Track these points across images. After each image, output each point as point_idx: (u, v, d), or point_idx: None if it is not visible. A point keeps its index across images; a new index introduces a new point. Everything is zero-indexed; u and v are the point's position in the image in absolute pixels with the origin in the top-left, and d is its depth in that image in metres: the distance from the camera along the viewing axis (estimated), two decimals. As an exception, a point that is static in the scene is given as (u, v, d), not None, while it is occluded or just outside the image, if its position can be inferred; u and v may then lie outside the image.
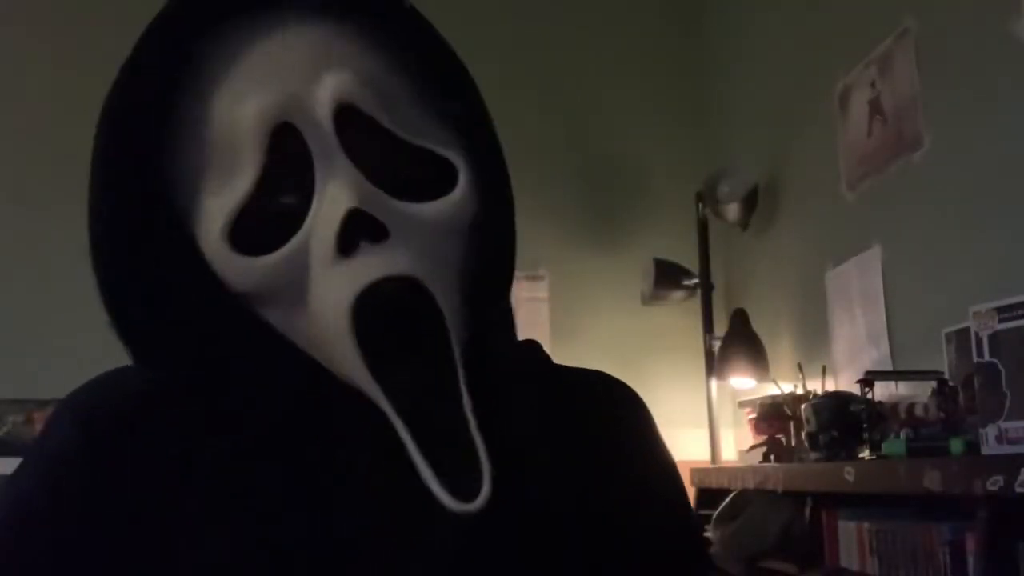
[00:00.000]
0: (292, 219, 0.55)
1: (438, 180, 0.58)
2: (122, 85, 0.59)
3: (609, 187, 3.05)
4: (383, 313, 0.54)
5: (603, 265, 2.98)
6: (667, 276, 2.77)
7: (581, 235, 2.97)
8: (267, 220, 0.55)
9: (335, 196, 0.53)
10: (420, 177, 0.57)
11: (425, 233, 0.56)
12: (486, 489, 0.51)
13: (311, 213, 0.54)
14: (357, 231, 0.53)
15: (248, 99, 0.55)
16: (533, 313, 2.85)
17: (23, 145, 2.86)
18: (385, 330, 0.54)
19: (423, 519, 0.53)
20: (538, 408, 0.63)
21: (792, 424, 2.14)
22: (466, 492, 0.51)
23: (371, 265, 0.53)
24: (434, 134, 0.59)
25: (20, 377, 2.61)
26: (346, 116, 0.55)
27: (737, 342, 2.55)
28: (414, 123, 0.58)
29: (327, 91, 0.55)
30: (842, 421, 1.73)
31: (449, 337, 0.55)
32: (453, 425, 0.53)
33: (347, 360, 0.54)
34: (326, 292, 0.54)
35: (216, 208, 0.56)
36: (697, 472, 2.46)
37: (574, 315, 2.91)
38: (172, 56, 0.58)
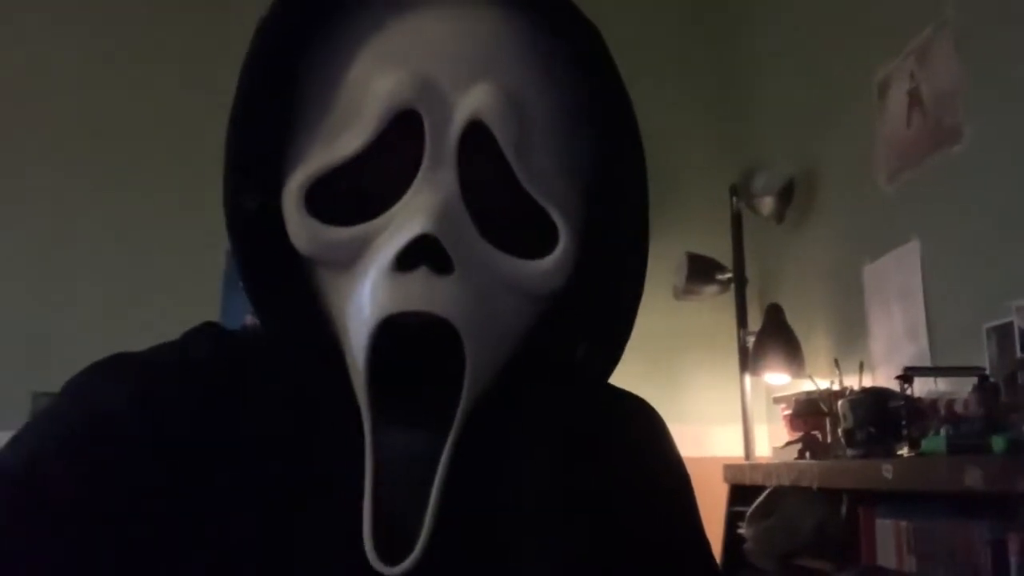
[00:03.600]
0: (373, 206, 0.53)
1: (536, 239, 0.55)
2: (280, 9, 0.56)
3: (642, 180, 3.03)
4: (401, 348, 0.51)
5: (635, 259, 2.96)
6: (700, 270, 2.74)
7: (613, 229, 2.95)
8: (348, 194, 0.54)
9: (419, 209, 0.51)
10: (519, 228, 0.55)
11: (495, 285, 0.53)
12: (413, 556, 0.49)
13: (391, 212, 0.52)
14: (421, 255, 0.50)
15: (390, 73, 0.53)
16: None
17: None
18: (398, 365, 0.52)
19: (352, 571, 0.50)
20: (537, 478, 0.59)
21: (828, 420, 2.12)
22: (395, 555, 0.49)
23: (417, 294, 0.50)
24: (555, 185, 0.55)
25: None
26: (477, 132, 0.52)
27: (772, 337, 2.52)
28: (541, 164, 0.55)
29: (470, 103, 0.52)
30: (880, 417, 1.70)
31: (460, 396, 0.51)
32: (416, 487, 0.51)
33: (357, 376, 0.52)
34: (368, 295, 0.52)
35: (310, 163, 0.54)
36: (730, 469, 2.43)
37: (606, 310, 2.90)
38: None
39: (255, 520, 0.54)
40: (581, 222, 0.58)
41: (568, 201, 0.56)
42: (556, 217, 0.55)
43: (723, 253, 2.80)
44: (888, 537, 1.64)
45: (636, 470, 0.65)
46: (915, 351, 2.01)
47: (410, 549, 0.49)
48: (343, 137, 0.53)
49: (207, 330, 0.63)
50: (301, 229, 0.54)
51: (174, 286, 2.73)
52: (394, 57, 0.54)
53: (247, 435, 0.56)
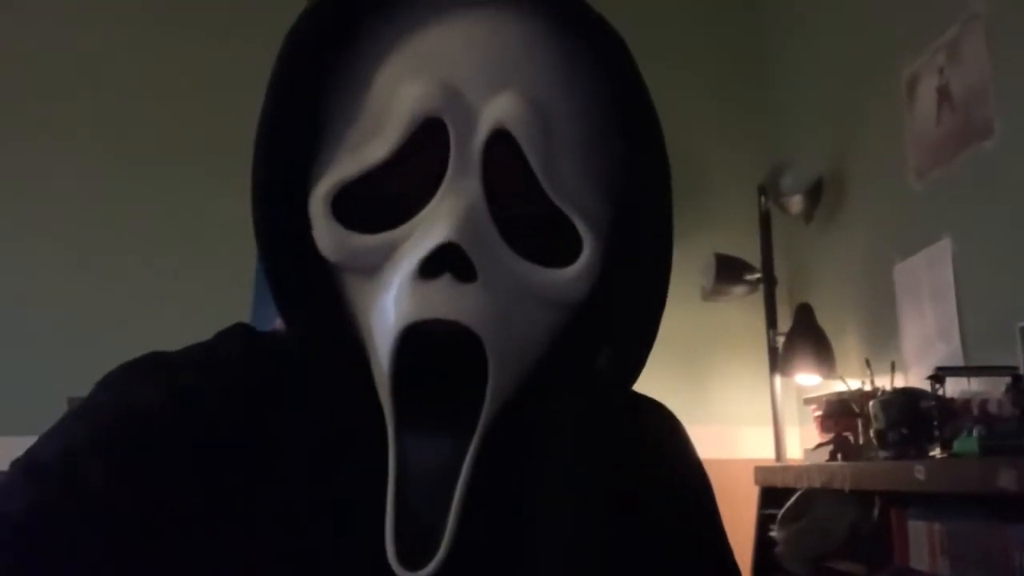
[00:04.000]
0: (398, 213, 0.53)
1: (562, 247, 0.55)
2: (307, 19, 0.57)
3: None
4: (424, 356, 0.52)
5: (663, 260, 2.94)
6: (728, 271, 2.73)
7: (640, 230, 2.94)
8: (374, 201, 0.54)
9: (443, 217, 0.51)
10: (543, 236, 0.55)
11: (519, 293, 0.54)
12: (435, 561, 0.49)
13: (416, 219, 0.53)
14: (445, 263, 0.51)
15: (416, 81, 0.53)
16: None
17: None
18: (422, 372, 0.52)
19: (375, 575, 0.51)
20: (558, 484, 0.59)
21: (860, 421, 2.09)
22: (416, 561, 0.49)
23: (441, 301, 0.51)
24: (580, 193, 0.55)
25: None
26: (501, 140, 0.53)
27: (802, 338, 2.50)
28: (566, 172, 0.55)
29: (495, 112, 0.52)
30: (912, 418, 1.68)
31: (483, 404, 0.52)
32: (438, 489, 0.51)
33: (381, 383, 0.53)
34: (392, 302, 0.52)
35: (337, 170, 0.55)
36: (761, 471, 2.41)
37: (634, 311, 2.88)
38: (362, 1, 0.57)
39: (280, 521, 0.55)
40: (606, 229, 0.58)
41: (593, 209, 0.56)
42: (580, 226, 0.55)
43: (751, 253, 2.78)
44: (921, 539, 1.62)
45: (657, 474, 0.65)
46: (947, 351, 1.99)
47: (432, 554, 0.49)
48: (369, 145, 0.54)
49: (238, 331, 0.64)
50: (328, 236, 0.55)
51: (206, 292, 2.75)
52: (419, 65, 0.54)
53: (274, 436, 0.57)
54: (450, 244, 0.50)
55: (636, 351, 0.62)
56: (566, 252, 0.55)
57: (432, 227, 0.51)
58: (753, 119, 3.08)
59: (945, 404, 1.64)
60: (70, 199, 2.91)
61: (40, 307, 2.84)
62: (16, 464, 0.55)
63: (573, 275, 0.55)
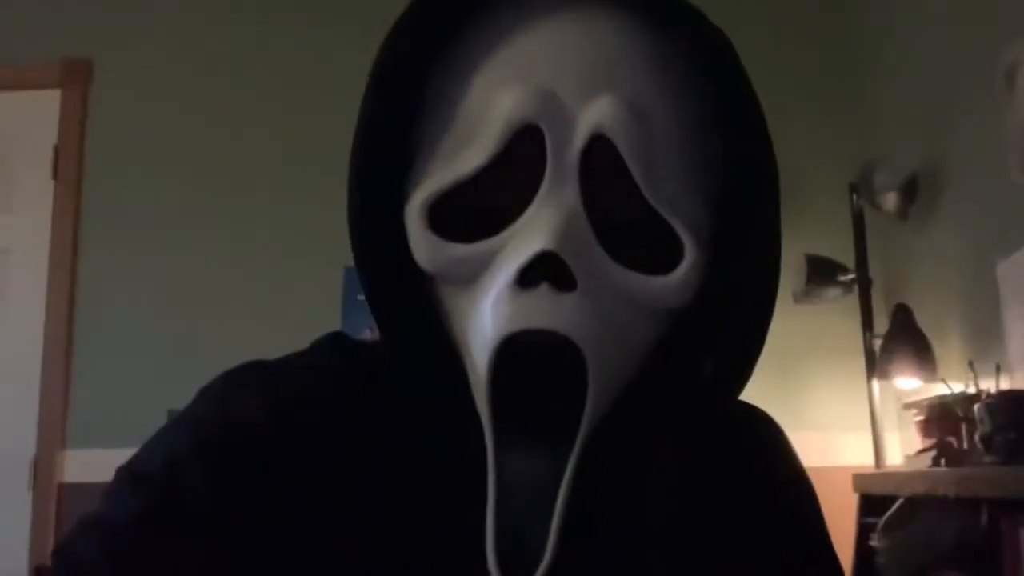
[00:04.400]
0: (495, 222, 0.53)
1: (663, 254, 0.54)
2: (402, 26, 0.57)
3: (755, 182, 2.96)
4: (523, 366, 0.51)
5: (751, 263, 2.89)
6: (820, 272, 2.66)
7: (727, 233, 2.89)
8: (471, 211, 0.54)
9: (541, 226, 0.51)
10: (643, 243, 0.54)
11: (619, 301, 0.53)
12: (540, 572, 0.49)
13: (513, 228, 0.52)
14: (543, 272, 0.50)
15: (511, 88, 0.53)
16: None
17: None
18: (520, 384, 0.52)
19: None
20: (662, 498, 0.58)
21: (963, 426, 2.02)
22: (516, 570, 0.49)
23: (540, 310, 0.50)
24: (680, 198, 0.54)
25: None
26: (600, 146, 0.52)
27: (900, 340, 2.42)
28: (666, 177, 0.54)
29: (592, 117, 0.52)
30: (1020, 422, 1.61)
31: (582, 417, 0.51)
32: (540, 507, 0.51)
33: (479, 393, 0.52)
34: (490, 312, 0.52)
35: (432, 180, 0.55)
36: (860, 478, 2.35)
37: (723, 316, 2.84)
38: (456, 9, 0.57)
39: (379, 537, 0.55)
40: (708, 234, 0.56)
41: (694, 214, 0.55)
42: (682, 232, 0.54)
43: (844, 254, 2.70)
44: (1034, 549, 1.55)
45: (764, 486, 0.63)
46: (1058, 350, 1.90)
47: (533, 569, 0.49)
48: (465, 153, 0.54)
49: (334, 340, 0.64)
50: (424, 246, 0.54)
51: (295, 305, 2.81)
52: (514, 71, 0.53)
53: (371, 444, 0.57)
54: (548, 253, 0.49)
55: (742, 361, 0.59)
56: (667, 259, 0.54)
57: (530, 236, 0.51)
58: (843, 114, 3.00)
59: (1056, 406, 1.57)
60: (163, 217, 3.01)
61: (135, 322, 2.94)
62: (121, 471, 0.57)
63: (675, 282, 0.54)
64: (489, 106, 0.53)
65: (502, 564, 0.49)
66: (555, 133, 0.52)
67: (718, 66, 0.57)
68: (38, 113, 3.08)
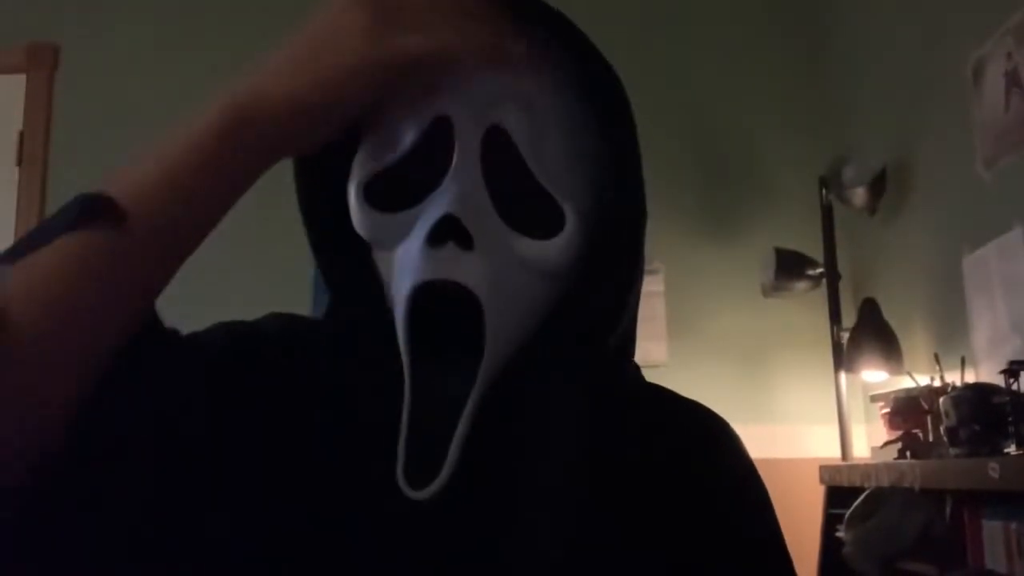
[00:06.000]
0: (416, 195, 0.64)
1: (548, 221, 0.65)
2: None
3: (725, 175, 2.97)
4: (431, 309, 0.62)
5: (721, 256, 2.90)
6: (789, 266, 2.68)
7: (697, 226, 2.90)
8: (397, 186, 0.65)
9: (448, 194, 0.62)
10: (533, 212, 0.64)
11: (510, 259, 0.64)
12: (436, 483, 0.59)
13: (429, 199, 0.63)
14: (448, 233, 0.61)
15: (428, 90, 0.64)
16: (648, 308, 2.80)
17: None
18: (431, 325, 0.63)
19: (384, 495, 0.60)
20: (556, 432, 0.66)
21: (929, 418, 2.04)
22: (421, 481, 0.59)
23: (445, 265, 0.61)
24: (564, 176, 0.66)
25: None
26: (497, 133, 0.64)
27: (867, 333, 2.44)
28: (552, 157, 0.65)
29: (491, 114, 0.64)
30: (985, 414, 1.63)
31: (483, 352, 0.62)
32: (445, 424, 0.60)
33: (400, 331, 0.63)
34: (408, 265, 0.63)
35: (368, 163, 0.66)
36: (827, 470, 2.37)
37: (691, 309, 2.85)
38: None
39: (309, 430, 0.65)
40: (589, 213, 0.67)
41: (575, 191, 0.66)
42: (563, 204, 0.65)
43: (813, 247, 2.72)
44: (996, 540, 1.57)
45: (710, 470, 0.71)
46: (1020, 344, 1.93)
47: (424, 478, 0.59)
48: (394, 140, 0.65)
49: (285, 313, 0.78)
50: (360, 216, 0.66)
51: (265, 300, 2.78)
52: (434, 79, 0.64)
53: (321, 369, 0.69)
54: (450, 216, 0.61)
55: (615, 317, 0.70)
56: (552, 226, 0.65)
57: (439, 204, 0.62)
58: (813, 109, 3.02)
59: (1019, 399, 1.59)
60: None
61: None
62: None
63: (556, 245, 0.65)
64: (412, 102, 0.65)
65: (410, 475, 0.59)
66: (462, 123, 0.64)
67: (597, 83, 0.68)
68: (3, 98, 3.03)
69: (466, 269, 0.61)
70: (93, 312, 0.56)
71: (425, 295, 0.62)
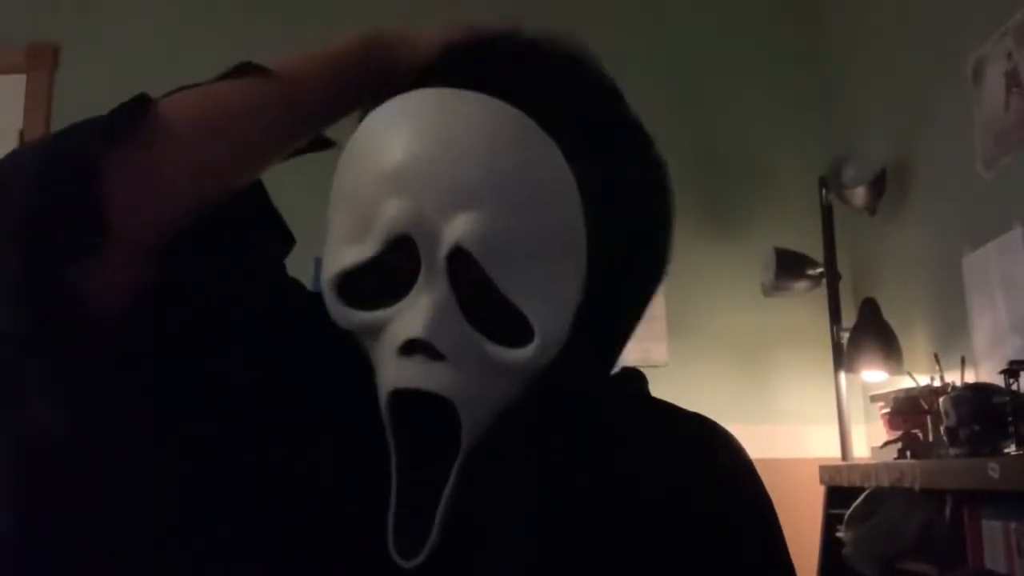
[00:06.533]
0: (386, 298, 0.66)
1: (519, 331, 0.65)
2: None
3: (725, 174, 2.97)
4: (409, 414, 0.65)
5: (721, 256, 2.89)
6: (789, 266, 2.67)
7: (697, 225, 2.89)
8: (368, 287, 0.66)
9: (416, 313, 0.64)
10: (503, 322, 0.65)
11: (481, 364, 0.65)
12: (423, 554, 0.63)
13: (400, 304, 0.65)
14: (417, 349, 0.64)
15: (391, 201, 0.65)
16: (648, 308, 2.80)
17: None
18: (410, 425, 0.65)
19: (374, 564, 0.64)
20: (533, 495, 0.68)
21: (929, 418, 2.04)
22: (410, 552, 0.63)
23: (417, 375, 0.64)
24: (538, 288, 0.66)
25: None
26: (462, 253, 0.64)
27: (867, 333, 2.44)
28: (524, 269, 0.65)
29: (453, 233, 0.63)
30: (984, 414, 1.63)
31: (460, 447, 0.65)
32: (428, 501, 0.64)
33: (385, 422, 0.65)
34: (382, 365, 0.66)
35: (338, 257, 0.67)
36: (827, 470, 2.37)
37: (691, 309, 2.84)
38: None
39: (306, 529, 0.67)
40: (576, 302, 0.68)
41: (554, 295, 0.67)
42: (532, 319, 0.65)
43: (813, 247, 2.72)
44: (996, 539, 1.57)
45: (713, 486, 0.72)
46: (1021, 344, 1.93)
47: (412, 548, 0.63)
48: (360, 243, 0.66)
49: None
50: (336, 310, 0.68)
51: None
52: (395, 184, 0.65)
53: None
54: (416, 341, 0.63)
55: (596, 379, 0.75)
56: (523, 335, 0.65)
57: (409, 320, 0.64)
58: (813, 109, 3.02)
59: (1019, 399, 1.59)
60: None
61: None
62: None
63: (527, 355, 0.66)
64: (376, 209, 0.65)
65: (398, 546, 0.63)
66: (425, 243, 0.64)
67: (588, 129, 0.69)
68: (3, 98, 3.03)
69: (438, 378, 0.64)
70: (242, 144, 0.69)
71: (401, 398, 0.64)
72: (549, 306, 0.67)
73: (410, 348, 0.64)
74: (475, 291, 0.65)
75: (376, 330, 0.66)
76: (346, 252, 0.67)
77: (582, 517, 0.69)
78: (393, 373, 0.65)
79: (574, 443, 0.71)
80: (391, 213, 0.64)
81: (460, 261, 0.64)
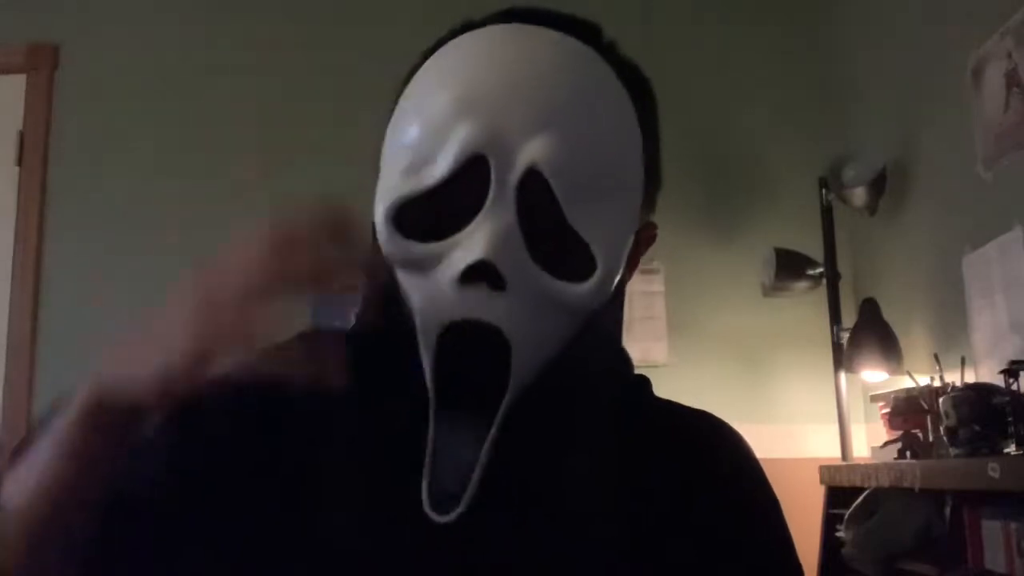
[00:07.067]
0: (446, 229, 0.64)
1: (582, 265, 0.65)
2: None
3: (726, 174, 2.97)
4: (460, 348, 0.63)
5: (721, 256, 2.89)
6: (789, 266, 2.68)
7: (697, 225, 2.89)
8: (427, 217, 0.65)
9: (483, 235, 0.62)
10: (565, 255, 0.65)
11: (543, 300, 0.64)
12: (459, 509, 0.62)
13: (460, 235, 0.63)
14: (480, 275, 0.62)
15: (467, 120, 0.63)
16: (648, 308, 2.80)
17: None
18: (458, 361, 0.63)
19: (409, 519, 0.63)
20: (572, 459, 0.68)
21: (929, 418, 2.04)
22: (445, 507, 0.62)
23: (477, 305, 0.62)
24: (603, 218, 0.66)
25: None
26: (534, 176, 0.63)
27: (867, 333, 2.44)
28: (588, 202, 0.65)
29: (529, 153, 0.63)
30: (984, 414, 1.63)
31: (507, 387, 0.63)
32: (468, 452, 0.63)
33: (427, 364, 0.64)
34: (437, 298, 0.63)
35: (398, 187, 0.66)
36: (827, 470, 2.37)
37: (691, 309, 2.84)
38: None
39: (337, 474, 0.67)
40: (632, 234, 0.70)
41: (615, 229, 0.68)
42: (596, 251, 0.66)
43: (813, 247, 2.72)
44: (996, 539, 1.57)
45: (722, 481, 0.72)
46: (1021, 344, 1.93)
47: (447, 502, 0.62)
48: (425, 170, 0.65)
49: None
50: (389, 242, 0.66)
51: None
52: (469, 106, 0.64)
53: (343, 410, 0.68)
54: (481, 262, 0.61)
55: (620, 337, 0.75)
56: (585, 269, 0.65)
57: (473, 244, 0.62)
58: (813, 109, 3.02)
59: (1019, 399, 1.59)
60: (140, 201, 2.96)
61: (106, 312, 2.90)
62: None
63: (587, 290, 0.65)
64: (448, 132, 0.64)
65: (432, 500, 0.62)
66: (498, 163, 0.63)
67: (633, 79, 0.72)
68: (3, 98, 3.03)
69: (498, 310, 0.62)
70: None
71: (454, 332, 0.62)
72: (611, 240, 0.67)
73: (471, 274, 0.61)
74: (540, 221, 0.63)
75: (433, 262, 0.64)
76: (409, 181, 0.65)
77: (622, 494, 0.68)
78: (449, 305, 0.62)
79: (613, 416, 0.71)
80: (467, 132, 0.63)
81: (530, 188, 0.63)
